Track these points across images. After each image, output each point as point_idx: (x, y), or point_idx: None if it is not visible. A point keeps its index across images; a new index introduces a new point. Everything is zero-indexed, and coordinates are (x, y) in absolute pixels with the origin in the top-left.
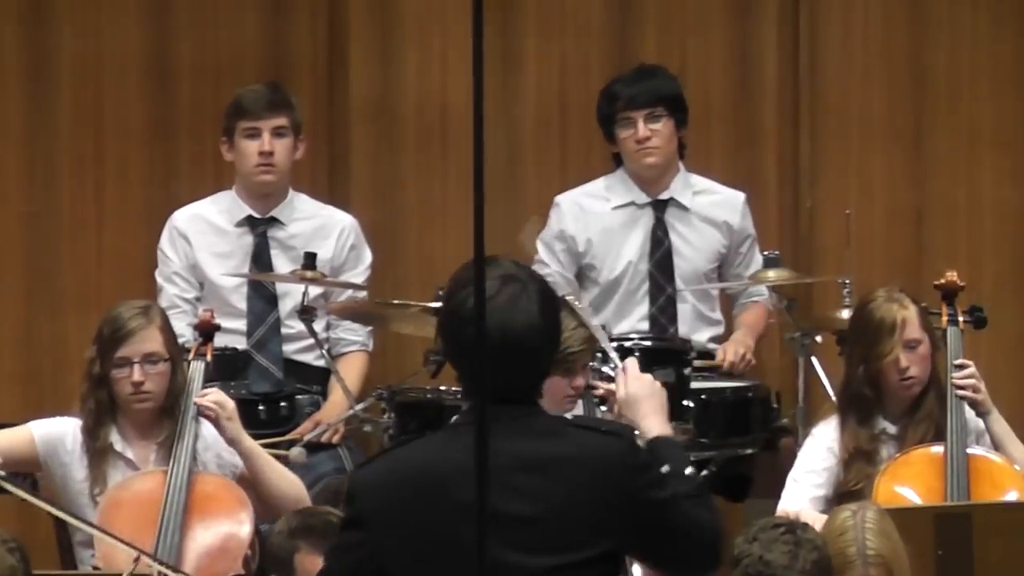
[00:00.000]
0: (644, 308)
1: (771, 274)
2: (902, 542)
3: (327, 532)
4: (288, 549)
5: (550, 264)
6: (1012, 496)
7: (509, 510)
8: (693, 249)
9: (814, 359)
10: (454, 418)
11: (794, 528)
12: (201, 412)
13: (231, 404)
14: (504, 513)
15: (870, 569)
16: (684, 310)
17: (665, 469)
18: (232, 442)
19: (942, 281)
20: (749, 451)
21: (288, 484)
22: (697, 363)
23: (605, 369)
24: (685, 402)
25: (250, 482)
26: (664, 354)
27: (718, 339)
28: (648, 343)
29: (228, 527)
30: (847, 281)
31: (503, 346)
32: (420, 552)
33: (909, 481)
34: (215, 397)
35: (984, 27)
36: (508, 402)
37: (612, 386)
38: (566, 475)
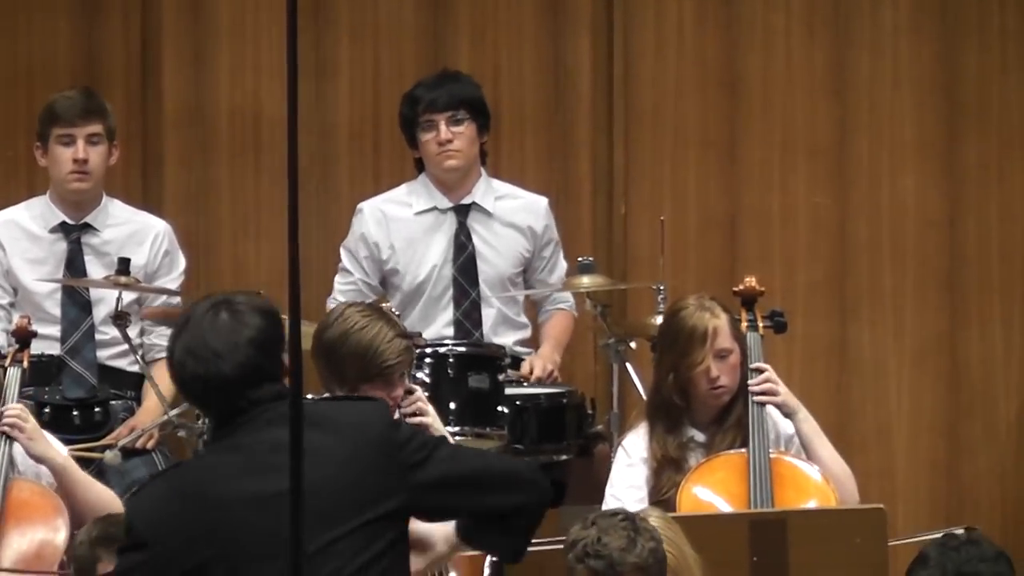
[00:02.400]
0: (449, 313)
1: (585, 280)
2: (688, 547)
3: None
4: (90, 559)
5: (354, 272)
6: (813, 503)
7: (281, 489)
8: (497, 254)
9: (628, 365)
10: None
11: (632, 518)
12: (2, 432)
13: (31, 423)
14: (277, 492)
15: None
16: (489, 315)
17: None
18: (39, 459)
19: (741, 287)
20: (563, 457)
21: (99, 496)
22: (510, 372)
23: (420, 375)
24: (500, 408)
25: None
26: (478, 360)
27: (525, 343)
28: (463, 348)
29: (44, 534)
30: (661, 288)
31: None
32: (219, 557)
33: (713, 487)
34: (12, 417)
35: (797, 35)
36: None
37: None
38: (328, 444)
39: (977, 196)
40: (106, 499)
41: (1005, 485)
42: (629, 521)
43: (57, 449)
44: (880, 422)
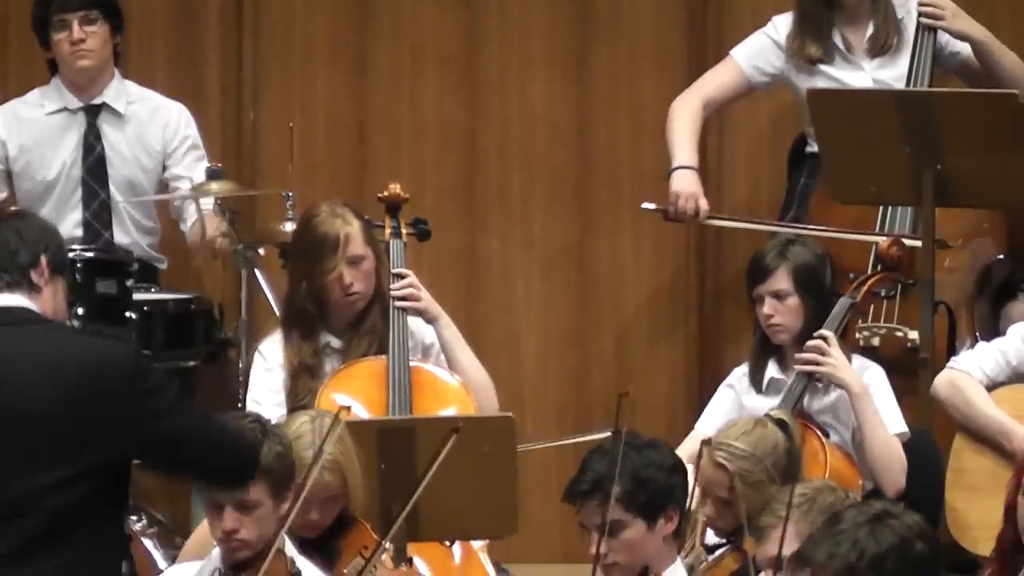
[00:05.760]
0: (78, 214)
1: (214, 186)
2: (356, 449)
3: None
4: None
5: None
6: (451, 411)
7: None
8: (126, 157)
9: (257, 272)
10: None
11: (263, 422)
12: None
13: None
14: None
15: (324, 473)
16: (119, 216)
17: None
18: None
19: (386, 194)
20: (191, 363)
21: None
22: None
23: None
24: (128, 313)
25: None
26: (106, 265)
27: (154, 246)
28: (90, 254)
29: None
30: (290, 195)
31: None
32: None
33: (352, 393)
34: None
35: None
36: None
37: None
38: (60, 373)
39: (607, 107)
40: None
41: (634, 395)
42: (259, 424)
43: None
44: (509, 331)
